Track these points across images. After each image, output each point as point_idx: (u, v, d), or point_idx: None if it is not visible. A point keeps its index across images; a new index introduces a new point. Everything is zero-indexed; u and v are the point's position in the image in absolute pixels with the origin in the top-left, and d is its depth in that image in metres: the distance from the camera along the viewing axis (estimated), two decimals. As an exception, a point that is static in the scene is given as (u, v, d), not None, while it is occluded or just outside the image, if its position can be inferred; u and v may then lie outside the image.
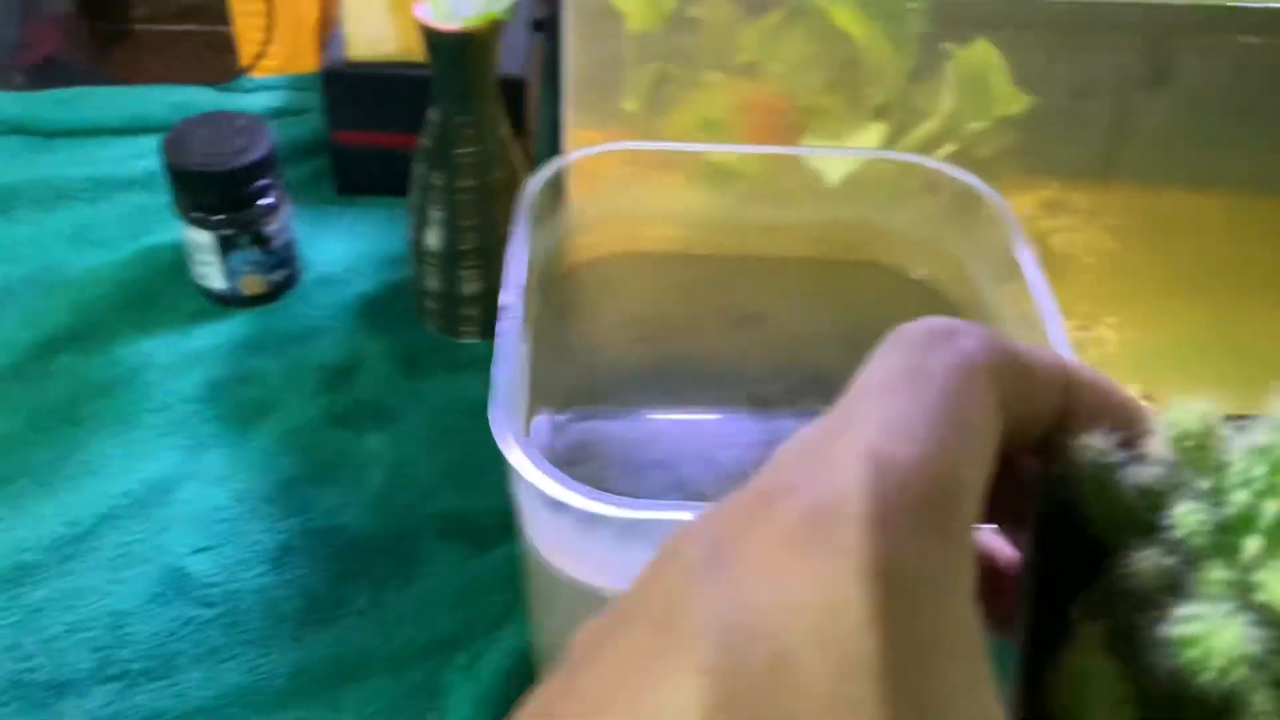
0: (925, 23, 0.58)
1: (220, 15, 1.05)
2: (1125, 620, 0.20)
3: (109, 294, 0.70)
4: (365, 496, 0.59)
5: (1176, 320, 0.62)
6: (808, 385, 0.54)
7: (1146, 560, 0.20)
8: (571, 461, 0.51)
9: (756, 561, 0.17)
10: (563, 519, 0.37)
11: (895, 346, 0.21)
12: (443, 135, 0.61)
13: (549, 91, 0.79)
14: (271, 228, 0.68)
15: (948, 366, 0.20)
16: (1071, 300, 0.73)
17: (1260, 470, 0.19)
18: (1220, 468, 0.20)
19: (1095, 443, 0.21)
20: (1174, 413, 0.21)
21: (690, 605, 0.17)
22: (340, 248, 0.75)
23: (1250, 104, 0.63)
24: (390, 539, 0.57)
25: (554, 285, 0.51)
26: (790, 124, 0.64)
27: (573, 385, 0.53)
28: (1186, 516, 0.20)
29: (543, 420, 0.51)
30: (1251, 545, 0.19)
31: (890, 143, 0.60)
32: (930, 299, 0.52)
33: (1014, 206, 0.81)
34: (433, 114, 0.61)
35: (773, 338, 0.55)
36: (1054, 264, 0.74)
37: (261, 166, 0.66)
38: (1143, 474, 0.21)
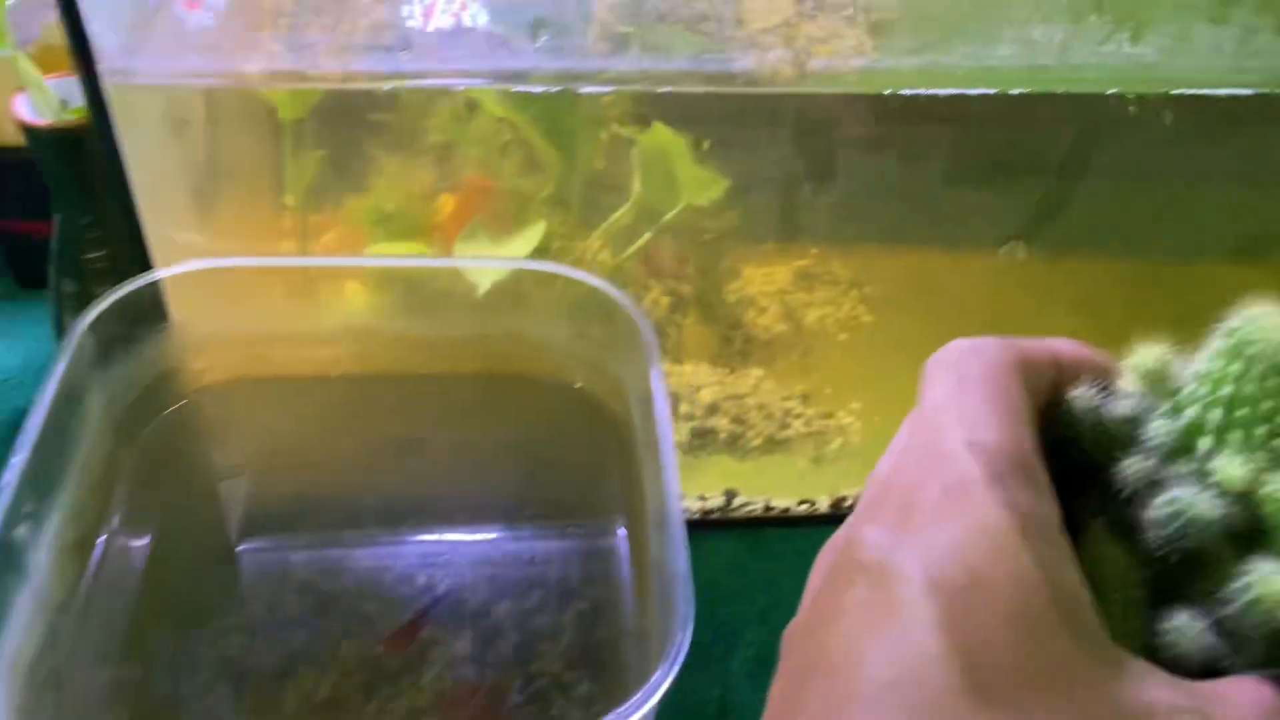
0: (602, 109, 0.52)
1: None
2: (1119, 513, 0.27)
3: None
4: None
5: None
6: (477, 508, 0.48)
7: (1132, 465, 0.27)
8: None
9: (929, 525, 0.24)
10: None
11: (942, 368, 0.27)
12: (66, 239, 0.53)
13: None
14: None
15: (986, 372, 0.26)
16: (819, 382, 0.69)
17: (1204, 389, 0.26)
18: (1175, 391, 0.28)
19: (1085, 391, 0.28)
20: (1137, 356, 0.28)
21: (900, 563, 0.24)
22: (20, 349, 0.67)
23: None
24: None
25: (149, 423, 0.44)
26: (496, 212, 0.58)
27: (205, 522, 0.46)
28: (1157, 429, 0.27)
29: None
30: (1204, 444, 0.26)
31: (568, 239, 0.54)
32: (592, 409, 0.46)
33: (769, 279, 0.77)
34: (55, 216, 0.53)
35: (436, 462, 0.49)
36: (805, 342, 0.70)
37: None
38: (1120, 405, 0.28)
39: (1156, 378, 0.29)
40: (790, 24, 0.50)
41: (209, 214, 0.50)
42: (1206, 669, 0.26)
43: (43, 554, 0.39)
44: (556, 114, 0.50)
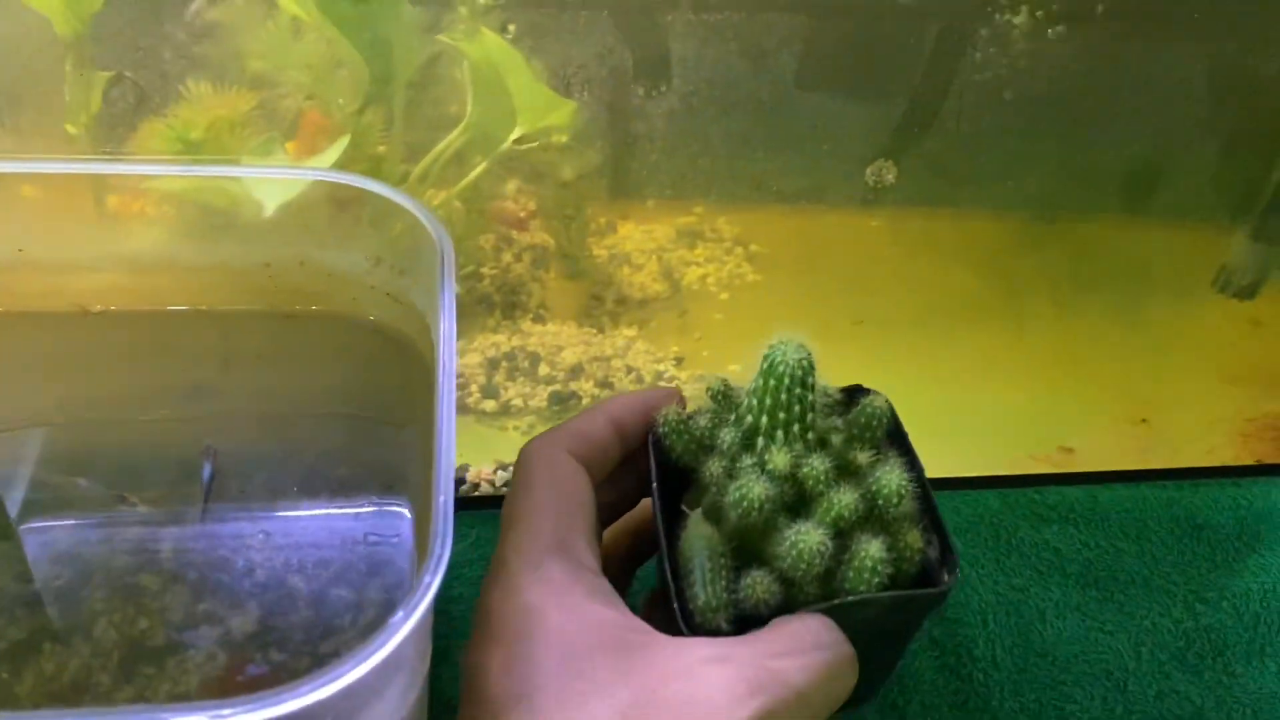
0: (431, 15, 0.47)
1: None
2: (710, 501, 0.36)
3: None
4: None
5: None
6: (264, 471, 0.42)
7: (712, 465, 0.36)
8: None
9: (497, 626, 0.33)
10: None
11: (518, 471, 0.37)
12: None
13: None
14: None
15: (540, 464, 0.36)
16: (696, 344, 0.63)
17: (755, 402, 0.36)
18: (738, 404, 0.37)
19: (669, 414, 0.37)
20: (707, 381, 0.38)
21: (480, 665, 0.33)
22: None
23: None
24: None
25: None
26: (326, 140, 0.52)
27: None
28: (726, 435, 0.36)
29: None
30: (760, 442, 0.36)
31: (392, 161, 0.48)
32: (393, 347, 0.40)
33: (650, 237, 0.71)
34: None
35: (217, 415, 0.42)
36: (682, 304, 0.64)
37: None
38: (699, 420, 0.38)
39: (723, 397, 0.38)
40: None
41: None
42: (782, 611, 0.34)
43: None
44: (367, 17, 0.44)
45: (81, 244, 0.41)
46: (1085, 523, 0.54)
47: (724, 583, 0.34)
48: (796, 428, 0.35)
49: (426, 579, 0.26)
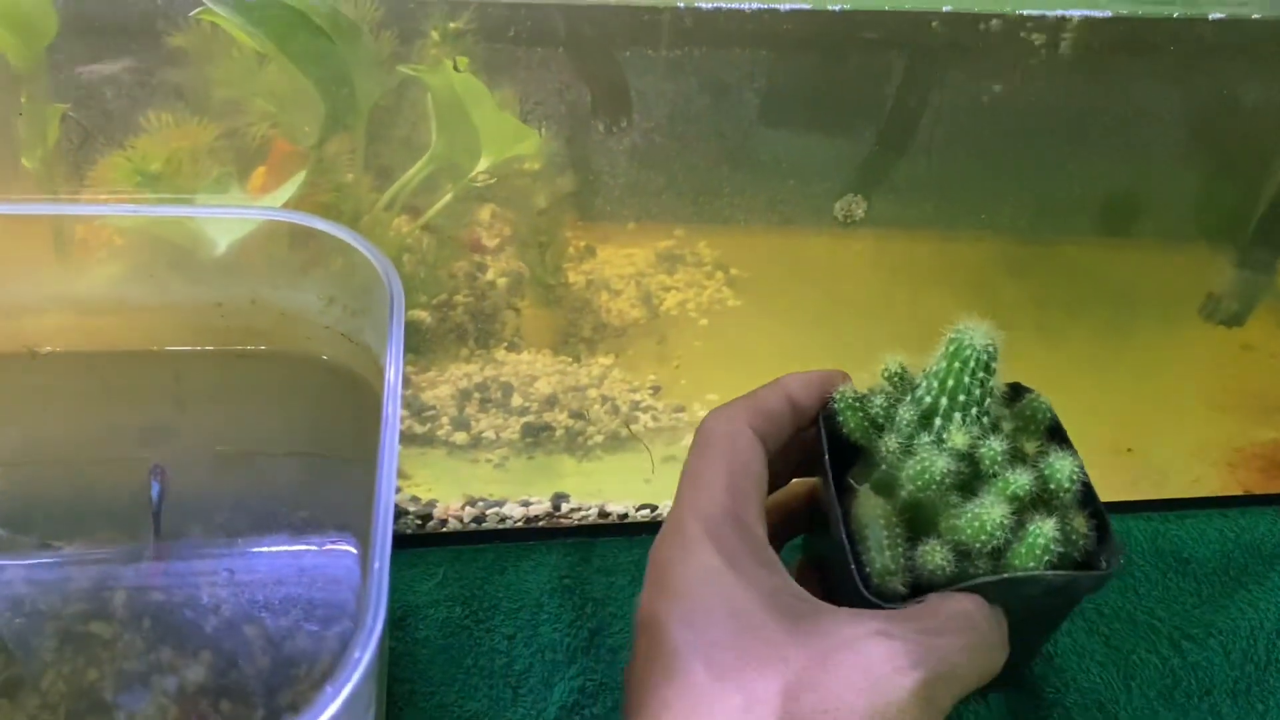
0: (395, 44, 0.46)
1: None
2: (880, 477, 0.39)
3: None
4: None
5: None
6: (219, 512, 0.41)
7: (889, 441, 0.38)
8: None
9: (675, 580, 0.35)
10: None
11: (698, 437, 0.39)
12: None
13: None
14: None
15: (720, 439, 0.38)
16: (674, 373, 0.62)
17: (935, 384, 0.38)
18: (915, 387, 0.39)
19: (844, 393, 0.40)
20: (885, 363, 0.40)
21: (658, 614, 0.35)
22: None
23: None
24: None
25: None
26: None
27: None
28: (905, 413, 0.38)
29: None
30: (938, 423, 0.38)
31: (353, 202, 0.47)
32: (344, 386, 0.39)
33: (630, 261, 0.70)
34: None
35: (173, 455, 0.41)
36: (660, 331, 0.63)
37: None
38: (876, 400, 0.40)
39: (899, 379, 0.40)
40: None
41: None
42: (954, 582, 0.36)
43: None
44: (326, 51, 0.43)
45: (30, 285, 0.40)
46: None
47: (901, 549, 0.37)
48: (975, 410, 0.37)
49: (356, 654, 0.25)
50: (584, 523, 0.53)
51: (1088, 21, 0.41)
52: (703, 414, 0.60)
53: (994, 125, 0.50)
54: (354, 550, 0.41)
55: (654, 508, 0.53)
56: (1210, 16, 0.46)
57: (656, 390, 0.59)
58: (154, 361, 0.41)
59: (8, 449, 0.41)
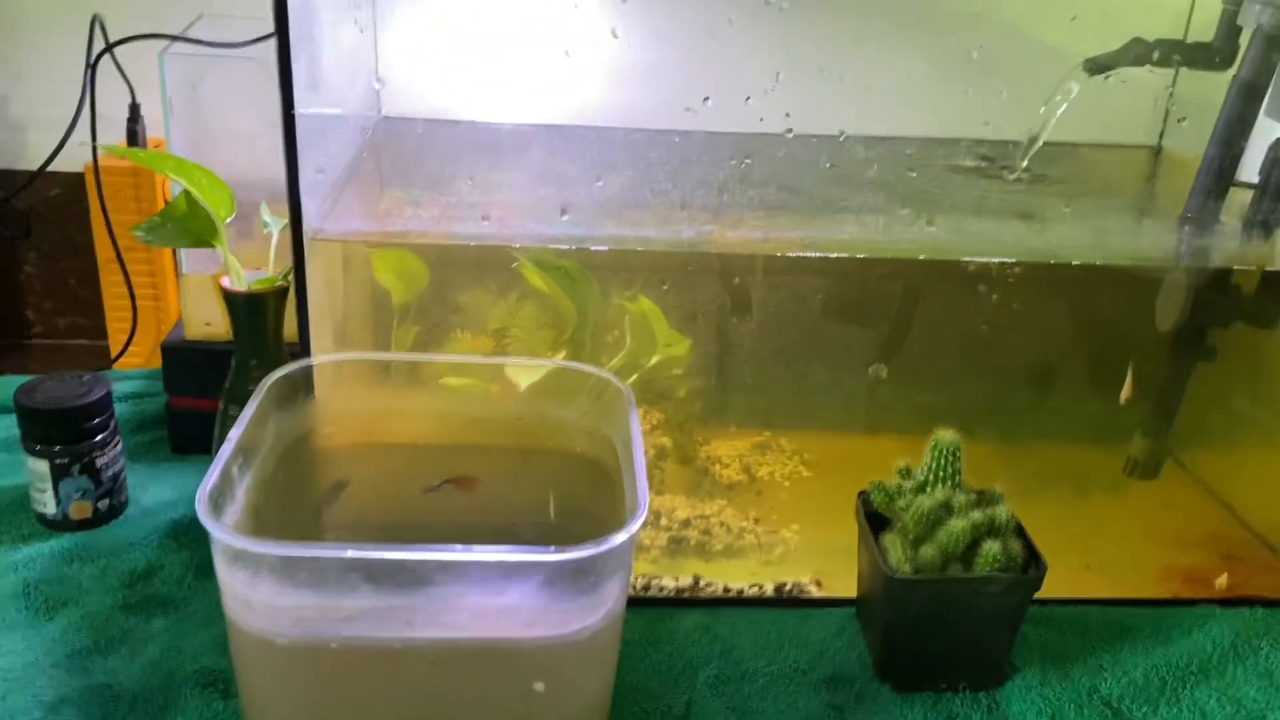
0: (601, 285, 0.79)
1: (104, 329, 1.24)
2: (897, 525, 0.71)
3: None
4: (141, 663, 0.70)
5: (837, 529, 0.78)
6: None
7: (899, 502, 0.71)
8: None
9: None
10: (238, 573, 0.50)
11: None
12: (238, 376, 0.78)
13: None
14: (101, 460, 0.82)
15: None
16: (767, 511, 0.90)
17: (926, 468, 0.70)
18: (915, 475, 0.72)
19: (872, 483, 0.73)
20: (899, 464, 0.72)
21: None
22: (166, 491, 0.90)
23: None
24: (154, 692, 0.68)
25: (296, 461, 0.66)
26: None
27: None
28: (907, 485, 0.71)
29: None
30: (929, 488, 0.70)
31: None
32: (593, 470, 0.68)
33: (733, 448, 1.00)
34: (233, 360, 0.79)
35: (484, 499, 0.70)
36: (757, 487, 0.92)
37: (95, 408, 0.81)
38: (890, 484, 0.72)
39: (905, 472, 0.71)
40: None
41: (346, 347, 0.76)
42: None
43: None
44: (574, 287, 0.76)
45: (414, 404, 0.71)
46: (1045, 623, 0.78)
47: (908, 554, 0.69)
48: (949, 482, 0.69)
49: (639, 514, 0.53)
50: (713, 595, 0.79)
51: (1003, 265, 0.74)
52: (790, 535, 0.88)
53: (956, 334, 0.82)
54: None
55: (760, 586, 0.80)
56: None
57: (756, 521, 0.87)
58: (478, 450, 0.71)
59: (397, 502, 0.71)
